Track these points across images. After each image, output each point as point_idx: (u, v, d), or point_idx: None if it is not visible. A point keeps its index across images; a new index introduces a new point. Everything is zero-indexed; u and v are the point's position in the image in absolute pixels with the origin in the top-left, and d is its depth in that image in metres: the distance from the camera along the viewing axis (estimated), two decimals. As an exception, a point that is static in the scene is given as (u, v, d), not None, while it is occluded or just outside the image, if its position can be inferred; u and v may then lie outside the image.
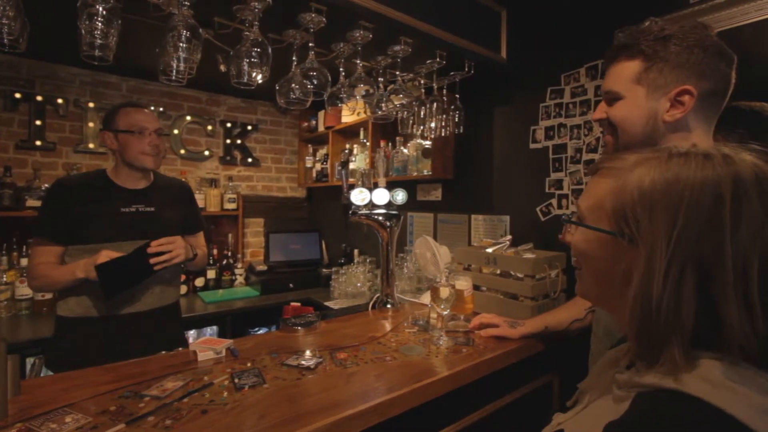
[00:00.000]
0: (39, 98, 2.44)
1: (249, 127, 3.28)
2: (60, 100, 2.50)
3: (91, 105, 2.60)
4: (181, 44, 1.04)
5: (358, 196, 1.72)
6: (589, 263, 0.57)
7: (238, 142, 3.22)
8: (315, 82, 1.36)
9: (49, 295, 2.25)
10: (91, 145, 2.61)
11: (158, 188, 1.62)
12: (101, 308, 1.45)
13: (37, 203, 2.30)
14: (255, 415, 0.89)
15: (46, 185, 2.38)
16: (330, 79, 1.41)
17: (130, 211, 1.51)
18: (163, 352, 1.30)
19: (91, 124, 2.61)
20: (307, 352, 1.24)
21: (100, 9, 0.93)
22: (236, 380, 1.04)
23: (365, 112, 1.77)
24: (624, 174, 0.51)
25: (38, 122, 2.45)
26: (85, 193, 1.47)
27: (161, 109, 2.86)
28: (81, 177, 1.61)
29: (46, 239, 1.43)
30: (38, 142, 2.45)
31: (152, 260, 1.38)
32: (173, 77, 1.16)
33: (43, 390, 0.99)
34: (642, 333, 0.47)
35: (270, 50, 1.20)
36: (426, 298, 1.92)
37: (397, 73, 1.67)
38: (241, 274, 3.04)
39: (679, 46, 0.80)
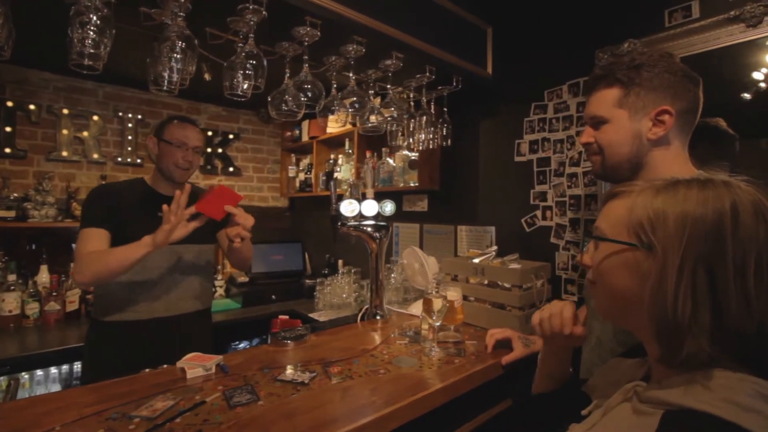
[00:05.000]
0: (9, 104, 2.34)
1: (231, 136, 3.24)
2: (32, 106, 2.40)
3: (65, 111, 2.50)
4: (175, 55, 1.03)
5: (348, 208, 1.71)
6: (607, 279, 0.62)
7: (219, 150, 3.17)
8: (309, 95, 1.36)
9: (17, 311, 2.13)
10: (64, 153, 2.50)
11: (191, 195, 1.61)
12: (136, 312, 1.52)
13: (7, 213, 2.20)
14: (253, 434, 0.87)
15: (15, 194, 2.29)
16: (324, 92, 1.42)
17: None
18: (147, 370, 1.25)
19: (65, 131, 2.50)
20: (300, 367, 1.23)
21: (93, 18, 0.90)
22: (229, 398, 1.01)
23: (349, 123, 1.78)
24: (636, 194, 0.59)
25: (8, 129, 2.34)
26: (126, 195, 1.57)
27: (139, 116, 2.79)
28: (121, 183, 1.70)
29: (95, 226, 1.46)
30: (8, 150, 2.34)
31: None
32: (164, 87, 1.13)
33: (22, 414, 0.93)
34: (661, 329, 0.53)
35: (265, 62, 1.20)
36: (414, 308, 1.92)
37: (388, 86, 1.69)
38: (221, 286, 2.96)
39: (650, 72, 0.90)
